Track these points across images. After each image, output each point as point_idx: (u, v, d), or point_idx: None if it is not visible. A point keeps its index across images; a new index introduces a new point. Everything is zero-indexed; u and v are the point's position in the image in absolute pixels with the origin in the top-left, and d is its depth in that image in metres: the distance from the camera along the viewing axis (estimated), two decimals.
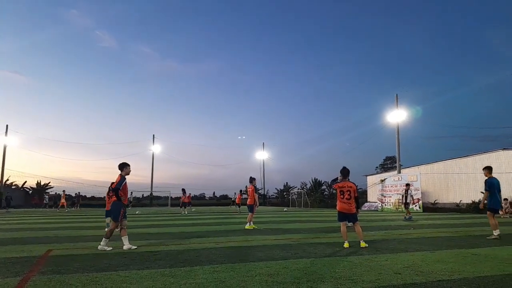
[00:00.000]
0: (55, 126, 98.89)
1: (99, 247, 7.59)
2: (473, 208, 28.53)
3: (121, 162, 8.14)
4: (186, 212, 26.89)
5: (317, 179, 60.94)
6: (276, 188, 70.97)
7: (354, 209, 8.16)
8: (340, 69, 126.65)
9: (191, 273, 5.06)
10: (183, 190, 27.79)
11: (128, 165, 8.16)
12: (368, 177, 46.45)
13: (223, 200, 70.79)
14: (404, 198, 19.75)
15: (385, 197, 33.75)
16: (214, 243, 8.64)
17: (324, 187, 60.36)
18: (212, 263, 5.89)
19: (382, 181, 34.67)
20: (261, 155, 62.30)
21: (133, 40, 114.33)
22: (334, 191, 8.46)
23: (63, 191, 34.24)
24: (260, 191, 66.28)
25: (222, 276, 4.87)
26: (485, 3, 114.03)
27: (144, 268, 5.45)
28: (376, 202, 36.15)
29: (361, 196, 50.96)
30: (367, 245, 7.95)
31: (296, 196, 53.82)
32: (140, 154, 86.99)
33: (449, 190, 34.98)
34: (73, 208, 35.44)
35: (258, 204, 13.55)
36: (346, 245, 7.94)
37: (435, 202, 34.38)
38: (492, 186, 9.93)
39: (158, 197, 58.77)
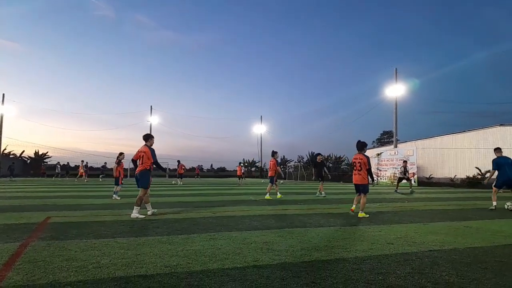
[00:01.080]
0: (52, 96, 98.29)
1: (132, 215, 7.74)
2: (467, 183, 28.91)
3: (146, 133, 8.45)
4: (181, 183, 27.63)
5: (314, 152, 61.25)
6: None
7: (366, 180, 8.54)
8: (339, 43, 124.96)
9: (188, 241, 5.15)
10: (179, 161, 29.27)
11: (153, 137, 8.49)
12: None
13: (221, 173, 71.23)
14: (404, 174, 20.25)
15: (380, 171, 34.04)
16: (211, 212, 8.76)
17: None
18: (209, 231, 6.00)
19: (378, 155, 34.86)
20: (259, 128, 62.21)
21: (129, 9, 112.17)
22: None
23: (82, 161, 33.87)
24: (257, 164, 66.75)
25: (219, 243, 4.97)
26: None
27: (142, 236, 5.54)
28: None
29: None
30: (367, 215, 8.26)
31: (292, 169, 54.26)
32: (137, 125, 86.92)
33: (444, 165, 35.29)
34: (100, 179, 34.99)
35: (282, 175, 14.22)
36: (352, 208, 8.87)
37: (430, 176, 34.73)
38: (498, 164, 10.40)
39: (154, 168, 59.04)
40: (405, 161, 21.39)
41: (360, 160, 8.55)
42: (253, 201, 12.34)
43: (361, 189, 8.60)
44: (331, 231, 6.24)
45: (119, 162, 13.49)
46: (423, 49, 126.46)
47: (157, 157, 8.33)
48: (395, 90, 35.89)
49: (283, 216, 8.27)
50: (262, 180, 38.46)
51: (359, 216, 8.26)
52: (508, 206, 10.55)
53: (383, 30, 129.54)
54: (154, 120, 56.05)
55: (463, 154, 33.82)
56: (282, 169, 64.20)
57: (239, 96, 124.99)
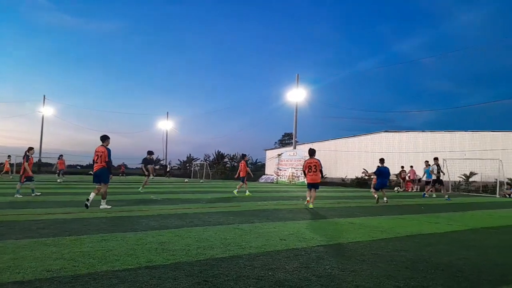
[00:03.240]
0: None
1: (101, 207, 8.89)
2: (356, 182, 31.74)
3: (103, 134, 9.44)
4: (61, 180, 23.99)
5: (220, 151, 61.69)
6: (178, 160, 70.15)
7: (319, 179, 10.68)
8: (248, 46, 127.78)
9: (77, 242, 4.82)
10: (60, 156, 25.60)
11: (109, 137, 9.49)
12: (267, 151, 48.54)
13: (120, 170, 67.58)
14: (437, 173, 17.44)
15: (280, 170, 35.65)
16: (105, 212, 8.30)
17: (226, 159, 61.47)
18: (101, 232, 5.68)
19: (279, 155, 36.50)
20: (165, 124, 60.55)
21: None
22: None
23: (9, 156, 28.53)
24: (161, 162, 64.94)
25: (111, 245, 4.74)
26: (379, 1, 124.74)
27: (23, 238, 5.03)
28: (273, 175, 38.03)
29: (259, 169, 53.21)
30: (311, 207, 10.30)
31: (198, 167, 53.90)
32: (28, 115, 78.64)
33: (337, 166, 38.26)
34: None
35: (251, 175, 16.82)
36: (310, 206, 10.37)
37: (325, 176, 37.44)
38: (379, 172, 13.20)
39: (49, 164, 53.98)
40: (436, 158, 18.01)
41: (315, 164, 10.64)
42: (154, 200, 12.00)
43: (315, 186, 10.61)
44: (229, 229, 6.36)
45: (27, 157, 12.70)
46: (323, 56, 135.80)
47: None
48: (296, 95, 37.92)
49: (183, 215, 8.19)
50: (186, 179, 37.29)
51: (310, 207, 10.30)
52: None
53: (290, 37, 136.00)
54: (48, 111, 51.21)
55: (353, 156, 37.06)
56: (188, 167, 63.40)
57: (144, 90, 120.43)
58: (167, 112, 61.11)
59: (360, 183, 31.14)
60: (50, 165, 54.05)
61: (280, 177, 35.41)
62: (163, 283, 3.21)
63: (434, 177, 17.43)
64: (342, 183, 33.80)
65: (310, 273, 3.72)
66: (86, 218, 7.21)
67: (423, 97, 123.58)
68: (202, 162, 54.52)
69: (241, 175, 15.98)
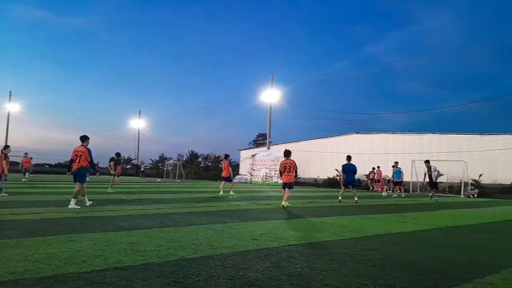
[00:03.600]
0: None
1: (70, 206, 8.78)
2: (328, 183, 32.23)
3: (83, 135, 9.59)
4: (25, 180, 22.95)
5: (193, 151, 61.28)
6: (151, 159, 69.20)
7: (293, 179, 11.05)
8: (223, 46, 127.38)
9: (43, 244, 4.67)
10: (26, 154, 24.99)
11: (89, 138, 9.64)
12: (241, 151, 48.62)
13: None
14: (428, 177, 16.79)
15: (254, 170, 35.78)
16: (74, 212, 8.09)
17: (200, 159, 61.11)
18: (69, 232, 5.52)
19: (253, 156, 36.59)
20: (137, 123, 59.55)
21: None
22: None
23: None
24: (133, 161, 63.86)
25: (79, 245, 4.62)
26: (354, 2, 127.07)
27: None
28: (247, 175, 38.08)
29: (234, 169, 53.27)
30: (287, 206, 10.56)
31: (171, 167, 53.32)
32: None
33: (310, 166, 38.74)
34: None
35: (231, 175, 16.21)
36: (283, 204, 10.58)
37: (298, 176, 37.82)
38: (344, 169, 14.17)
39: (14, 163, 52.10)
40: (427, 161, 16.98)
41: (290, 164, 10.92)
42: (124, 200, 11.78)
43: (289, 186, 10.85)
44: (201, 229, 6.32)
45: (5, 156, 12.39)
46: (299, 58, 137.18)
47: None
48: (271, 96, 38.15)
49: (154, 215, 8.08)
50: (158, 179, 36.75)
51: (284, 205, 10.50)
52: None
53: (267, 38, 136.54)
54: (14, 107, 49.39)
55: (325, 157, 37.60)
56: (160, 166, 62.57)
57: (116, 88, 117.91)
58: (140, 111, 60.20)
59: (332, 183, 31.64)
60: (16, 163, 52.15)
61: (254, 177, 35.50)
62: (132, 284, 3.16)
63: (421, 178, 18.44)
64: (315, 183, 34.24)
65: (281, 272, 3.75)
66: (54, 219, 7.01)
67: (396, 100, 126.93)
68: (175, 161, 53.97)
69: (223, 175, 16.11)
